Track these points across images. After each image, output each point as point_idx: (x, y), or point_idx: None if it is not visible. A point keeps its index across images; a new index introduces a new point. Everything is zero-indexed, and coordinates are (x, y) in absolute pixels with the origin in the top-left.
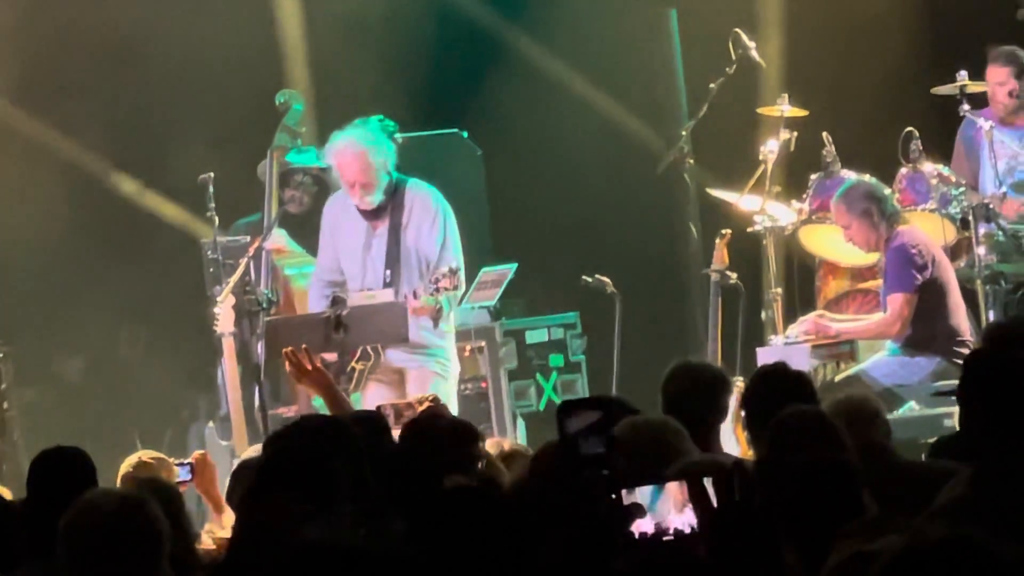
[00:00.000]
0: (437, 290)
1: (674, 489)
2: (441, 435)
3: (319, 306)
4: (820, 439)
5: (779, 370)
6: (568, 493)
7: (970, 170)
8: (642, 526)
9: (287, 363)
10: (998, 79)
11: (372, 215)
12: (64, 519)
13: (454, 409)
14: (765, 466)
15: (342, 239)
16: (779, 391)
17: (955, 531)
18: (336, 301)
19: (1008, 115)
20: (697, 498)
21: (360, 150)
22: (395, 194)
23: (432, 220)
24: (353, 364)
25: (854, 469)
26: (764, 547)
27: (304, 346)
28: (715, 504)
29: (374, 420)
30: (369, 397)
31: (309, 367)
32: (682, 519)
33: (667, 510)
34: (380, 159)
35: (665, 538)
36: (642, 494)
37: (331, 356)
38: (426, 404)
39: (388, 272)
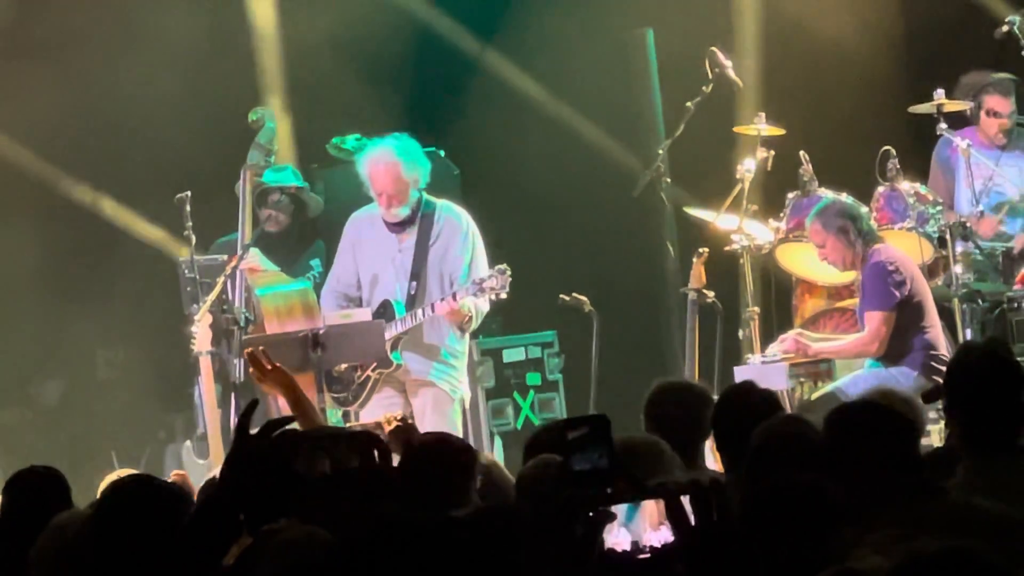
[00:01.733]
0: (481, 290)
1: (651, 506)
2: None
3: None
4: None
5: (746, 389)
6: (557, 509)
7: (945, 189)
8: (619, 543)
9: (250, 364)
10: (1003, 108)
11: (399, 228)
12: (34, 547)
13: (458, 431)
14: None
15: (364, 253)
16: (747, 410)
17: (953, 544)
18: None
19: (999, 138)
20: (674, 516)
21: (393, 161)
22: (426, 213)
23: (463, 240)
24: (369, 372)
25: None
26: (742, 565)
27: (261, 348)
28: (692, 522)
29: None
30: (375, 401)
31: (268, 367)
32: (658, 536)
33: (644, 527)
34: (412, 174)
35: (641, 556)
36: (619, 511)
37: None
38: (394, 424)
39: (413, 284)
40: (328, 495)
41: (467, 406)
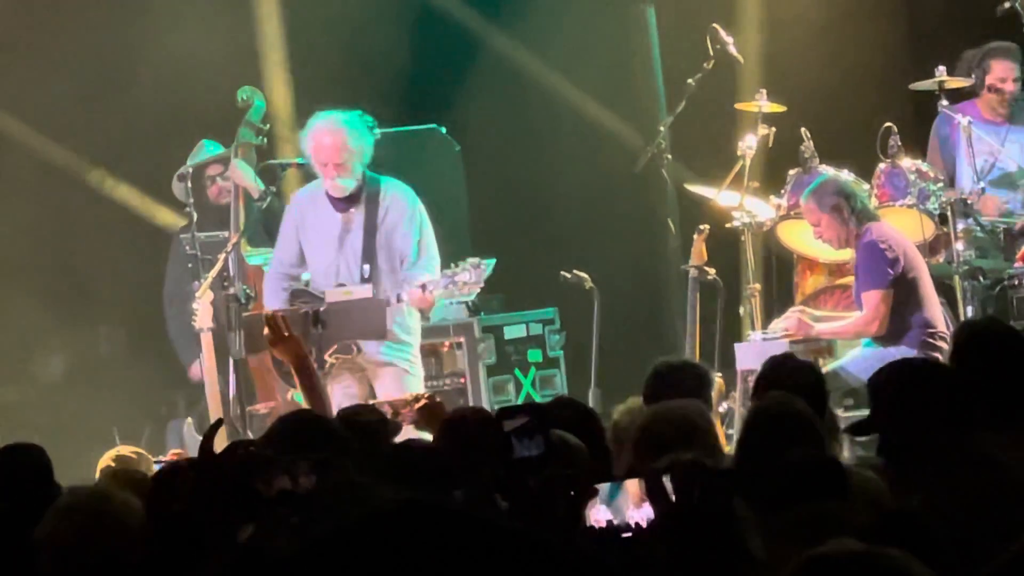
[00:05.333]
0: (454, 283)
1: (633, 484)
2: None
3: (277, 299)
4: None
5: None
6: (539, 488)
7: (945, 166)
8: (600, 520)
9: (266, 326)
10: (1009, 74)
11: (345, 207)
12: (39, 528)
13: None
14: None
15: (309, 232)
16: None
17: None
18: (298, 295)
19: (1002, 108)
20: (654, 495)
21: (337, 129)
22: (371, 190)
23: (409, 218)
24: (326, 357)
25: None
26: (723, 544)
27: (282, 314)
28: (672, 501)
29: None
30: (337, 390)
31: (286, 334)
32: (640, 513)
33: (626, 505)
34: (356, 145)
35: (624, 534)
36: (601, 488)
37: None
38: (423, 401)
39: (367, 267)
40: (285, 512)
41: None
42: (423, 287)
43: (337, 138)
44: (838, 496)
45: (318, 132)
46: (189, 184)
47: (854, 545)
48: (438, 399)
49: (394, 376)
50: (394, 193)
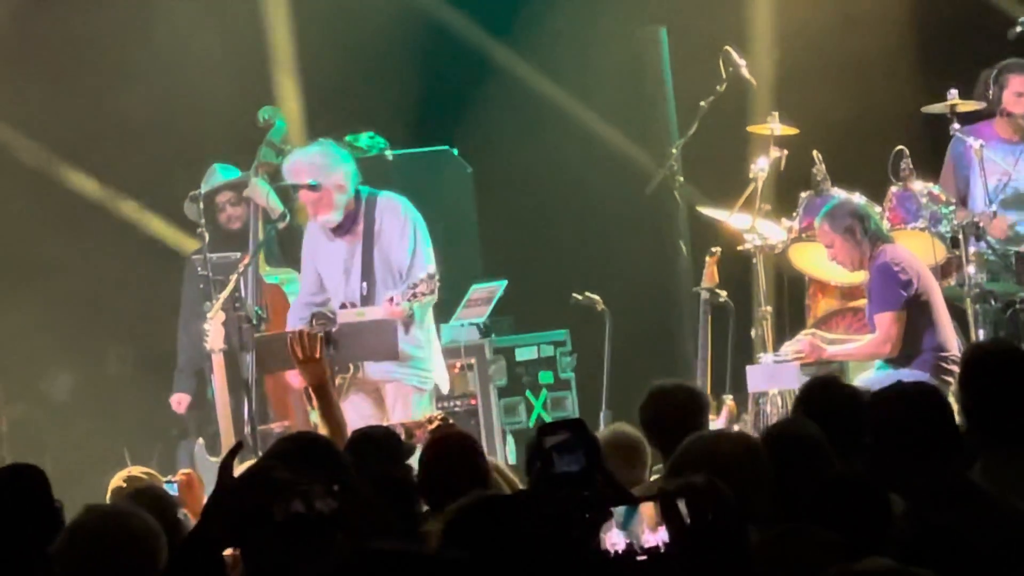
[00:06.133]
0: (415, 295)
1: (649, 508)
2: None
3: (296, 326)
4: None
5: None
6: (553, 511)
7: (959, 186)
8: (616, 544)
9: (293, 344)
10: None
11: (344, 232)
12: (55, 545)
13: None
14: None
15: (322, 260)
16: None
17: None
18: (317, 317)
19: (1019, 127)
20: (669, 517)
21: (304, 166)
22: (367, 208)
23: (402, 228)
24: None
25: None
26: (738, 567)
27: (320, 335)
28: (688, 523)
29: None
30: (348, 408)
31: (318, 355)
32: (656, 537)
33: (642, 528)
34: (331, 176)
35: (639, 557)
36: (616, 512)
37: None
38: (436, 423)
39: (364, 284)
40: (300, 535)
41: (444, 391)
42: (391, 299)
43: (305, 175)
44: (880, 516)
45: (290, 176)
46: (201, 206)
47: (886, 563)
48: (451, 421)
49: (398, 393)
50: (387, 207)
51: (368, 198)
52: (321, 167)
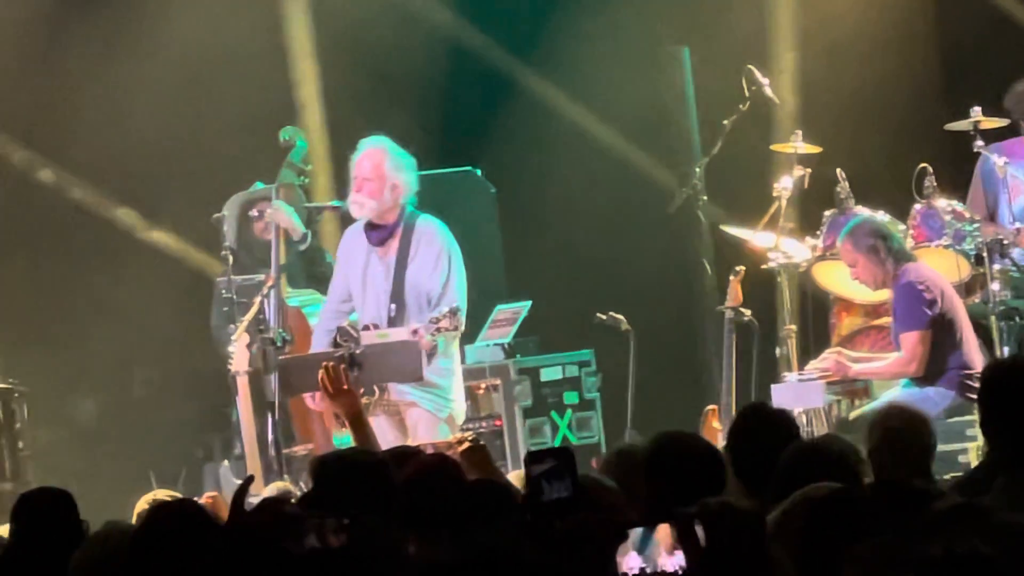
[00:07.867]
0: (438, 330)
1: (665, 531)
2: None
3: (322, 340)
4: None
5: (761, 410)
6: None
7: (988, 203)
8: (632, 567)
9: (322, 379)
10: None
11: (379, 241)
12: (75, 556)
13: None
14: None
15: (350, 267)
16: (765, 431)
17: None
18: (341, 333)
19: None
20: (685, 540)
21: (379, 150)
22: (407, 226)
23: (436, 257)
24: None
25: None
26: None
27: (343, 366)
28: (703, 546)
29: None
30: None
31: (346, 387)
32: (673, 561)
33: (658, 552)
34: (391, 170)
35: None
36: (633, 535)
37: None
38: (466, 445)
39: (393, 307)
40: (312, 571)
41: (459, 422)
42: (415, 331)
43: (374, 158)
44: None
45: (359, 156)
46: (236, 213)
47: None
48: (481, 442)
49: (420, 418)
50: (425, 231)
51: (409, 216)
52: (393, 160)
